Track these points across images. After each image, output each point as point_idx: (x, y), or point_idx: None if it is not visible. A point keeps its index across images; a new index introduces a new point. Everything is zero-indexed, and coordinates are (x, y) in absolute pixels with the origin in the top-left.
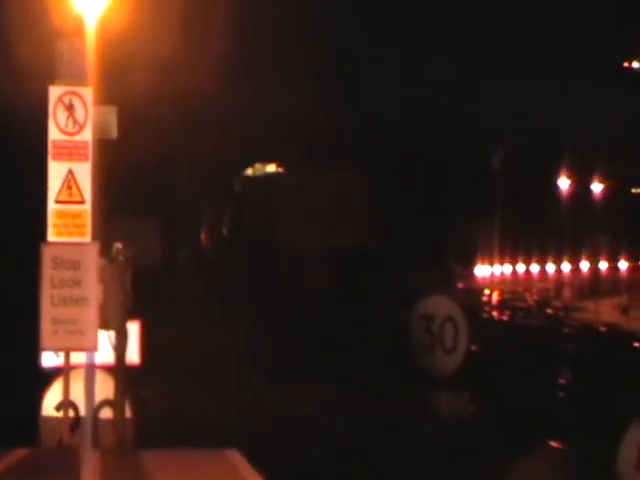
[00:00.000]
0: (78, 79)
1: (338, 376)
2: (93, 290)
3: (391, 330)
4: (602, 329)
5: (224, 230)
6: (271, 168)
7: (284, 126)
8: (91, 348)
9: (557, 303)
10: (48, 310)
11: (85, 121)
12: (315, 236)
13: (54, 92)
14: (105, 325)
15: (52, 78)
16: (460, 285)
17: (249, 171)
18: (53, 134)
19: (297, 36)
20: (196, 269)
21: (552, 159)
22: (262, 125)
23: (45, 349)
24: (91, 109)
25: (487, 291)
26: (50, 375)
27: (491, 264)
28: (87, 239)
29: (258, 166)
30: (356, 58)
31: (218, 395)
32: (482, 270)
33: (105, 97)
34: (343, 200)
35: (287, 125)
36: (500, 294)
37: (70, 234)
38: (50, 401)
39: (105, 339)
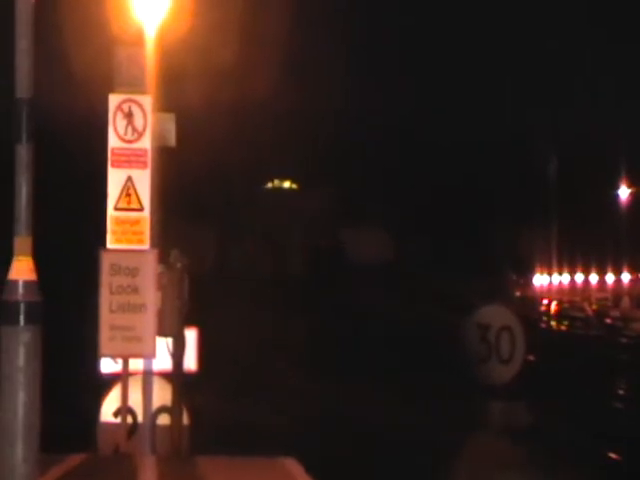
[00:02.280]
0: (136, 87)
1: (392, 382)
2: (151, 297)
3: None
4: None
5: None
6: (286, 184)
7: (303, 144)
8: (149, 355)
9: (615, 313)
10: (106, 317)
11: (144, 129)
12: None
13: (113, 100)
14: (163, 332)
15: (111, 87)
16: (517, 294)
17: (269, 185)
18: (112, 142)
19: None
20: (245, 275)
21: (612, 167)
22: (284, 142)
23: (103, 356)
24: (150, 117)
25: (545, 300)
26: (109, 382)
27: (549, 273)
28: (145, 246)
29: (276, 181)
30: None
31: (274, 401)
32: (540, 279)
33: (163, 105)
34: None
35: (307, 144)
36: (558, 303)
37: (129, 241)
38: (108, 407)
39: (163, 346)
